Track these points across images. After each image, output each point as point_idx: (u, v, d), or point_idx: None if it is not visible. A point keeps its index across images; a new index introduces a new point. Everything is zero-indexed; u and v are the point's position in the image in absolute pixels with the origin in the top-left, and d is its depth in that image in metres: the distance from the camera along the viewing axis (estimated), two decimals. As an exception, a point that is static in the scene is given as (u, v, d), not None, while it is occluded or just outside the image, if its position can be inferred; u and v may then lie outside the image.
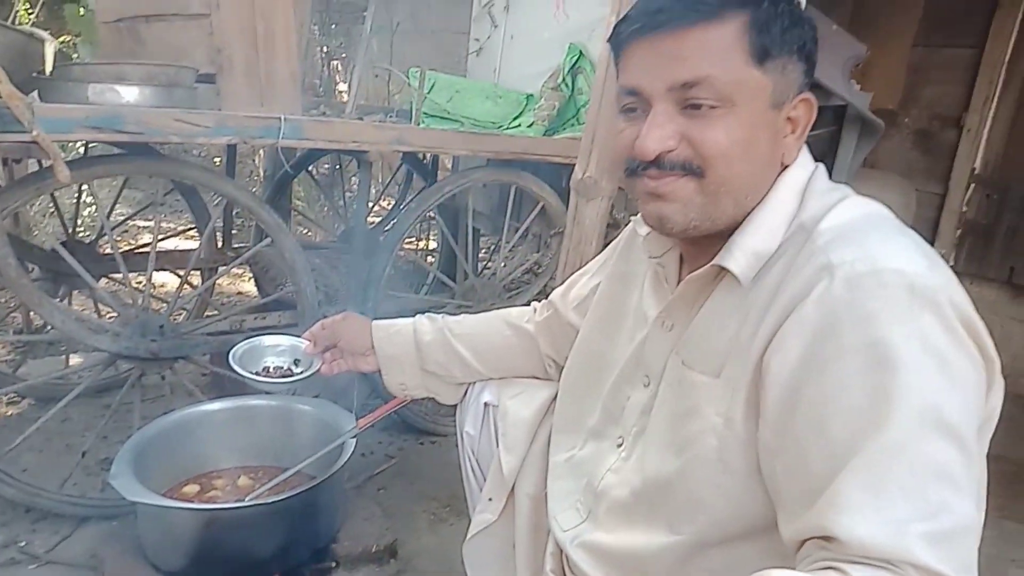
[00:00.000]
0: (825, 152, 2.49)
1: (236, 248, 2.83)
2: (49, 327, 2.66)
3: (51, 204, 2.64)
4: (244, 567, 1.50)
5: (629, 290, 1.15)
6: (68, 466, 1.96)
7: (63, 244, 2.37)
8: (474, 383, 1.39)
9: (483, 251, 3.52)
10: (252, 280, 3.70)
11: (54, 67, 1.79)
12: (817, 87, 2.17)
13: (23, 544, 1.79)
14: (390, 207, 3.47)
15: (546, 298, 1.40)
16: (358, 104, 2.76)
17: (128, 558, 1.51)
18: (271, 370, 1.46)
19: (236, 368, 1.39)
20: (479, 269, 3.09)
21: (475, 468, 1.39)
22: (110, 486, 1.96)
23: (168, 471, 1.65)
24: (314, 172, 3.31)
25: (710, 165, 0.87)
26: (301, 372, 1.41)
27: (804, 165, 0.94)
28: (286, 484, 1.67)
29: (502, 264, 2.57)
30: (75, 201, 2.95)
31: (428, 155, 2.96)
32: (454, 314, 2.05)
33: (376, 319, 1.42)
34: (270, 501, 1.46)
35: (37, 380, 2.42)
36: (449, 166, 3.04)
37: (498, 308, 2.34)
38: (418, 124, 2.35)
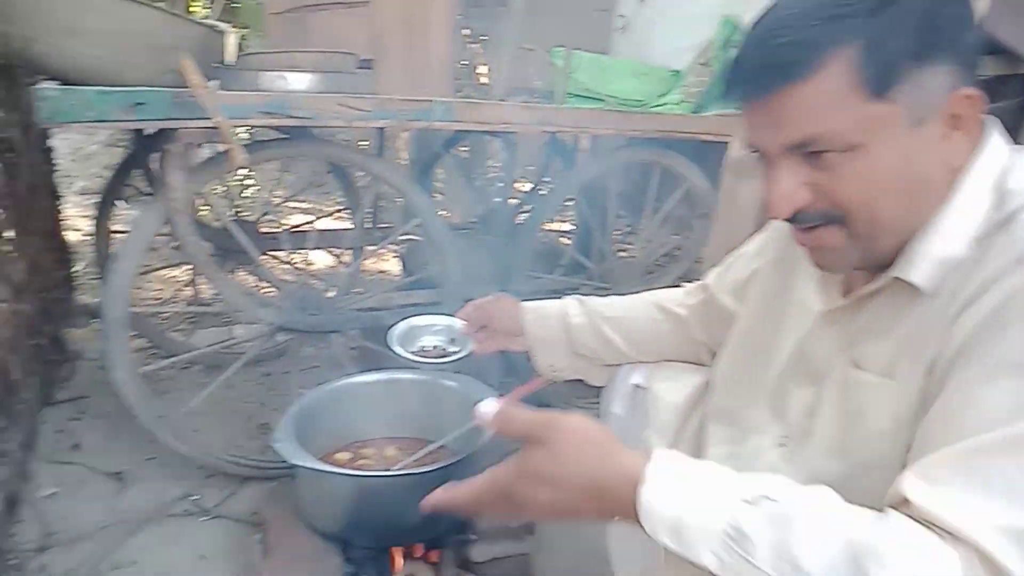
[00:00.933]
0: (1017, 125, 2.24)
1: (383, 228, 2.95)
2: (216, 300, 2.90)
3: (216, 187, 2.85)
4: (392, 533, 1.56)
5: (792, 278, 1.08)
6: (232, 429, 2.13)
7: (237, 223, 2.57)
8: (623, 364, 1.38)
9: (621, 233, 3.47)
10: (394, 260, 3.85)
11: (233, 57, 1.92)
12: (1001, 52, 1.95)
13: (196, 498, 1.96)
14: (527, 190, 3.49)
15: (690, 282, 1.36)
16: (497, 85, 2.78)
17: (287, 518, 1.61)
18: (427, 349, 1.50)
19: (396, 349, 1.44)
20: (616, 251, 3.04)
21: None
22: (270, 449, 2.12)
23: (323, 438, 1.74)
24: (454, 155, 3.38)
25: (851, 214, 0.80)
26: (456, 351, 1.44)
27: (994, 152, 0.83)
28: (430, 457, 1.73)
29: (642, 247, 2.52)
30: (238, 185, 3.19)
31: (568, 136, 2.95)
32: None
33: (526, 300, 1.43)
34: (421, 471, 1.51)
35: (205, 349, 2.65)
36: (588, 147, 3.01)
37: (637, 291, 2.31)
38: (562, 104, 2.34)
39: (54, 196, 2.70)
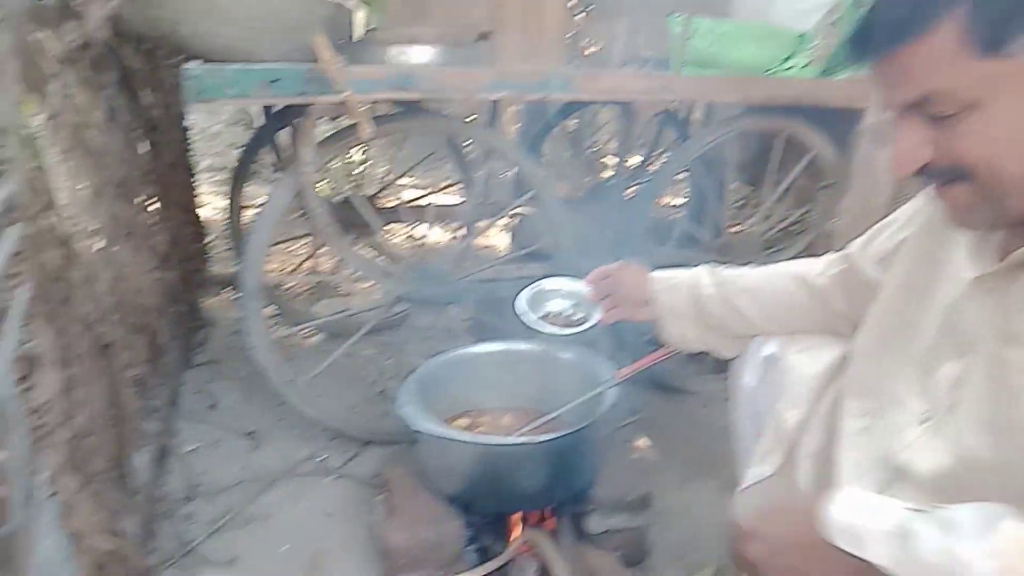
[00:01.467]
0: None
1: (493, 203, 2.97)
2: (335, 273, 3.02)
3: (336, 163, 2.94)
4: (511, 500, 1.60)
5: (943, 246, 1.02)
6: (353, 395, 2.23)
7: (348, 199, 2.66)
8: (755, 336, 1.34)
9: (737, 205, 3.36)
10: (500, 234, 3.88)
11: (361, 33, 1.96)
12: None
13: (321, 459, 2.07)
14: (639, 162, 3.43)
15: (814, 256, 1.31)
16: (611, 55, 2.73)
17: (409, 480, 1.67)
18: (552, 315, 1.51)
19: (523, 314, 1.45)
20: (732, 225, 2.95)
21: (748, 422, 1.34)
22: (389, 415, 2.20)
23: (442, 405, 1.78)
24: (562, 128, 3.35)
25: (975, 172, 0.79)
26: (582, 318, 1.44)
27: None
28: (546, 427, 1.74)
29: (760, 220, 2.42)
30: (354, 160, 3.30)
31: (682, 106, 2.86)
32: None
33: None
34: (541, 440, 1.53)
35: (327, 318, 2.77)
36: (702, 117, 2.92)
37: (756, 265, 2.22)
38: (678, 72, 2.27)
39: (190, 172, 2.88)
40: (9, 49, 1.26)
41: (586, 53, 3.94)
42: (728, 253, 2.37)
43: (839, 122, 2.20)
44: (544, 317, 1.51)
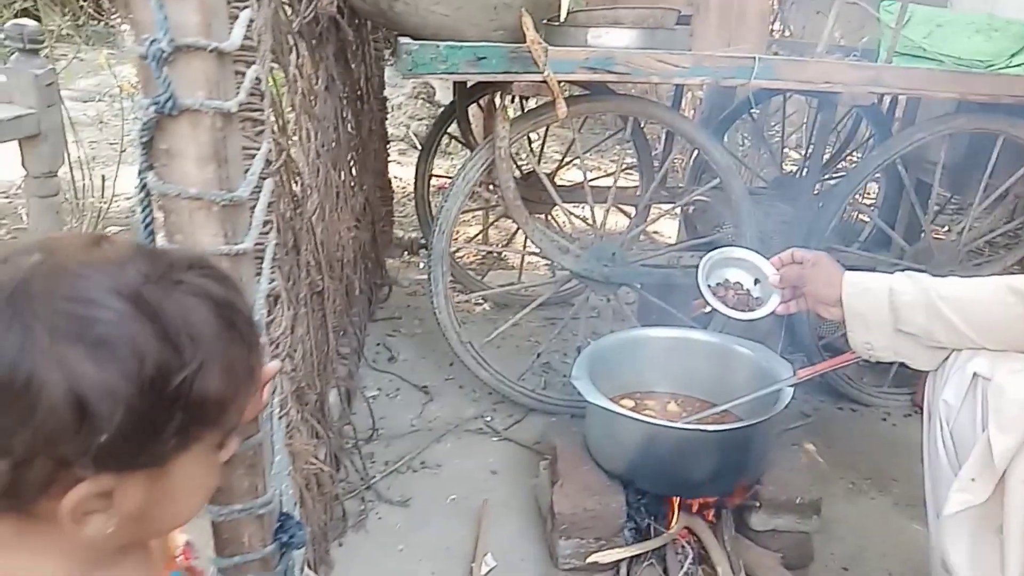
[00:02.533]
0: None
1: (669, 188, 2.95)
2: (506, 249, 3.12)
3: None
4: (675, 484, 1.61)
5: None
6: (518, 364, 2.31)
7: (530, 173, 2.74)
8: (960, 350, 1.25)
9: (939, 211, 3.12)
10: (671, 222, 3.83)
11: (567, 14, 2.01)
12: None
13: (488, 419, 2.17)
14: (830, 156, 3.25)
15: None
16: (806, 41, 2.60)
17: (575, 450, 1.72)
18: (729, 282, 1.49)
19: (701, 280, 1.44)
20: (933, 230, 2.74)
21: (947, 441, 1.26)
22: (551, 386, 2.26)
23: (610, 383, 1.81)
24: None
25: None
26: (758, 300, 1.41)
27: None
28: (715, 419, 1.73)
29: (966, 228, 2.23)
30: (535, 140, 3.37)
31: (887, 100, 2.68)
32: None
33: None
34: (715, 429, 1.53)
35: (497, 289, 2.89)
36: (905, 113, 2.71)
37: (958, 275, 2.06)
38: (889, 63, 2.13)
39: (385, 141, 3.09)
40: (265, 23, 1.42)
41: (780, 39, 3.77)
42: (924, 261, 2.21)
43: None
44: (721, 284, 1.48)
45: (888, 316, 1.29)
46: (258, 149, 1.09)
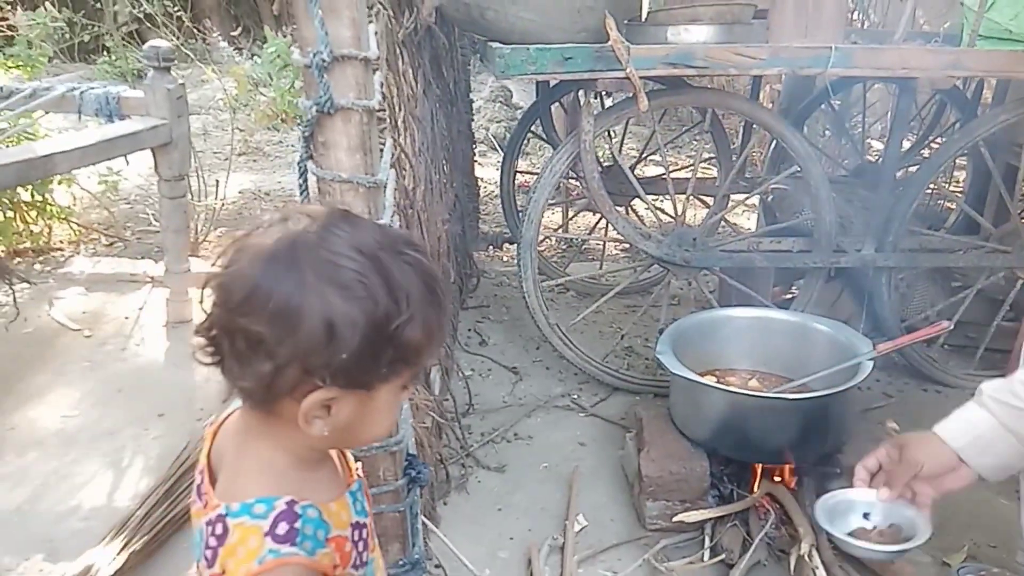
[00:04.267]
0: None
1: (747, 179, 3.01)
2: (587, 238, 3.25)
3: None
4: (757, 451, 1.70)
5: None
6: (601, 347, 2.44)
7: (610, 167, 2.86)
8: None
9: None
10: (744, 213, 3.87)
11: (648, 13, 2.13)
12: None
13: (574, 397, 2.31)
14: (913, 142, 3.24)
15: None
16: (886, 30, 2.62)
17: (659, 420, 1.84)
18: (865, 530, 1.26)
19: (834, 536, 1.25)
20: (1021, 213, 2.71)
21: None
22: (634, 367, 2.38)
23: (693, 360, 1.90)
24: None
25: None
26: (895, 527, 1.24)
27: None
28: (795, 392, 1.81)
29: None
30: (614, 137, 3.48)
31: (971, 85, 2.67)
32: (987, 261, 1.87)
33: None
34: (796, 397, 1.62)
35: (577, 276, 3.03)
36: (994, 96, 2.69)
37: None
38: (972, 47, 2.15)
39: (472, 141, 3.27)
40: (380, 34, 1.60)
41: (860, 29, 3.76)
42: (1010, 243, 2.22)
43: None
44: (856, 533, 1.25)
45: (1017, 445, 1.16)
46: (383, 143, 1.27)
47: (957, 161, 3.64)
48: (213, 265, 0.69)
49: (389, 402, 0.72)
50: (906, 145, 3.36)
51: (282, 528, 0.67)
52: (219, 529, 0.68)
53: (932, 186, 2.96)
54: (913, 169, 2.80)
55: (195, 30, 7.21)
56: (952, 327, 2.11)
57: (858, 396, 2.01)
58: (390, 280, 0.66)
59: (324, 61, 0.93)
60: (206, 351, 0.68)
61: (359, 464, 0.86)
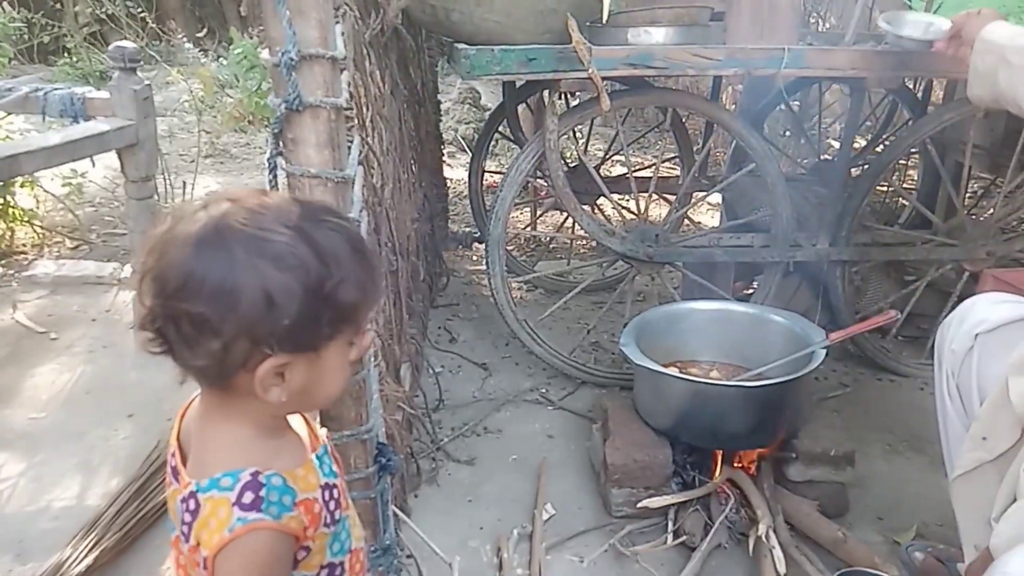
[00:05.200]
0: None
1: (709, 177, 3.09)
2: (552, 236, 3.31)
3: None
4: (716, 436, 1.76)
5: None
6: (569, 342, 2.49)
7: (575, 167, 2.92)
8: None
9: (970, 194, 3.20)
10: (708, 211, 3.97)
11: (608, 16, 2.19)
12: None
13: (543, 391, 2.36)
14: (867, 141, 3.36)
15: None
16: (840, 32, 2.71)
17: (624, 411, 1.89)
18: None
19: (885, 28, 1.81)
20: (968, 209, 2.82)
21: (953, 392, 1.37)
22: (601, 362, 2.43)
23: (655, 352, 1.96)
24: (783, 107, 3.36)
25: None
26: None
27: None
28: (754, 378, 1.88)
29: (1000, 205, 2.33)
30: (584, 131, 3.54)
31: (921, 84, 2.78)
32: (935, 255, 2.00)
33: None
34: (751, 385, 1.68)
35: (545, 273, 3.08)
36: (945, 95, 2.81)
37: (989, 250, 2.16)
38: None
39: (440, 142, 3.31)
40: (347, 34, 1.63)
41: (815, 31, 3.86)
42: (958, 237, 2.32)
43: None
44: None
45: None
46: (351, 140, 1.30)
47: (912, 160, 3.78)
48: (142, 261, 0.72)
49: (338, 360, 0.77)
50: (862, 143, 3.49)
51: (248, 497, 0.71)
52: (192, 505, 0.72)
53: (886, 184, 3.08)
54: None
55: (159, 31, 7.13)
56: (901, 317, 2.21)
57: (813, 384, 2.09)
58: (317, 247, 0.71)
59: (292, 60, 0.96)
60: (154, 343, 0.72)
61: (324, 430, 0.90)
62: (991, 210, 2.39)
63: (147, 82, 2.54)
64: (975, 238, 2.30)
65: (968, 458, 1.28)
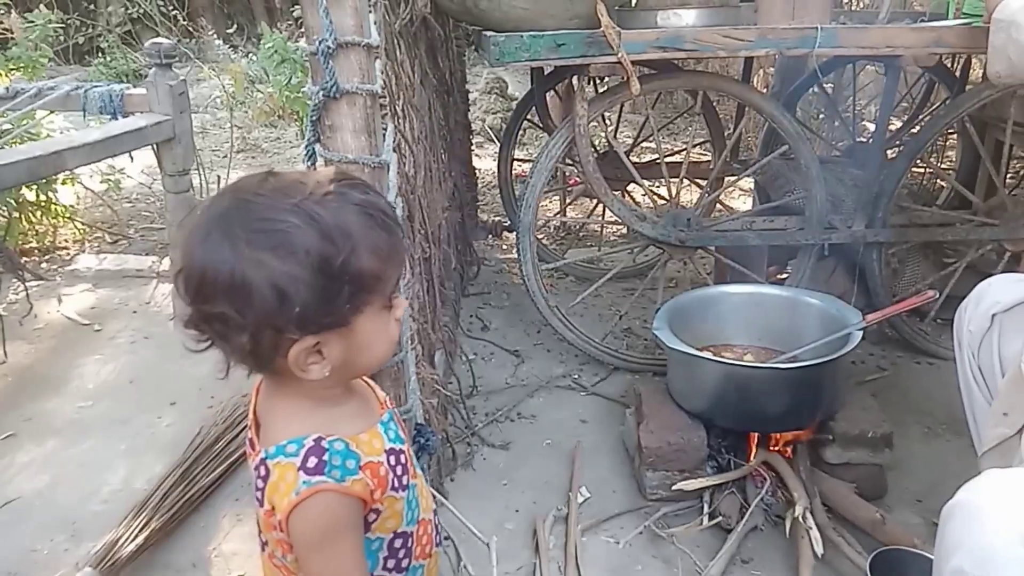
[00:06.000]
0: None
1: (741, 160, 3.06)
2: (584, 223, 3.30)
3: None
4: (753, 421, 1.76)
5: None
6: (601, 329, 2.49)
7: (605, 153, 2.91)
8: None
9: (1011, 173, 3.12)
10: (740, 196, 3.93)
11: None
12: None
13: (575, 377, 2.37)
14: (903, 121, 3.29)
15: None
16: (874, 10, 2.66)
17: (658, 394, 1.89)
18: None
19: None
20: (1009, 188, 2.76)
21: (976, 371, 1.36)
22: (633, 347, 2.43)
23: (689, 336, 1.96)
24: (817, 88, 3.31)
25: None
26: None
27: None
28: (789, 361, 1.86)
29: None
30: (613, 118, 3.53)
31: (958, 62, 2.72)
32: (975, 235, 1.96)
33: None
34: (787, 367, 1.67)
35: (576, 261, 3.08)
36: (981, 74, 2.74)
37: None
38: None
39: (469, 131, 3.32)
40: (378, 24, 1.65)
41: (848, 10, 3.80)
42: (998, 216, 2.27)
43: None
44: None
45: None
46: (385, 128, 1.31)
47: (950, 140, 3.70)
48: (175, 258, 0.75)
49: (374, 326, 0.77)
50: (898, 124, 3.43)
51: (311, 461, 0.74)
52: (263, 471, 0.76)
53: (924, 165, 3.02)
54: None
55: (190, 29, 7.25)
56: (940, 298, 2.17)
57: (850, 366, 2.07)
58: (320, 224, 0.71)
59: (329, 48, 0.98)
60: (198, 340, 0.75)
61: (387, 396, 0.93)
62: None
63: (182, 78, 2.59)
64: (1016, 217, 2.26)
65: (992, 434, 1.29)
